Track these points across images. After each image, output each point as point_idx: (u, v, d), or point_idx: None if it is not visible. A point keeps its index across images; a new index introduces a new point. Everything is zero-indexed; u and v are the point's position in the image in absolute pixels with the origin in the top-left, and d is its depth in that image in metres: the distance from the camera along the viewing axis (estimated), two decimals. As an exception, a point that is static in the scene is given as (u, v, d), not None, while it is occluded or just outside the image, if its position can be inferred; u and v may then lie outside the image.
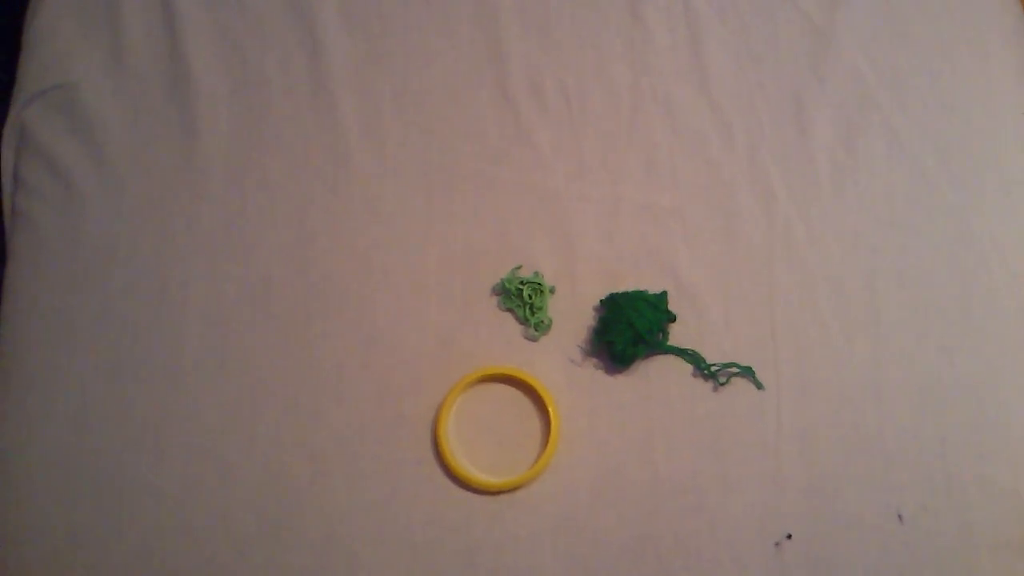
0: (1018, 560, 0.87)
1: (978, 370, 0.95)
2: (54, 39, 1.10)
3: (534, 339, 0.96)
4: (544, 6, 1.11)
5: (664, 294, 0.95)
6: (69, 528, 0.91)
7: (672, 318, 0.95)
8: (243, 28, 1.11)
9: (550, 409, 0.92)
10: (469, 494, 0.91)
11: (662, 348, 0.94)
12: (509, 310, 0.97)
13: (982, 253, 0.99)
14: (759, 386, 0.93)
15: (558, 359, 0.96)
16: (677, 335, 0.95)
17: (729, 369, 0.93)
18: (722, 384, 0.94)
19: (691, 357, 0.94)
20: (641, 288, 0.96)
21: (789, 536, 0.88)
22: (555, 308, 0.97)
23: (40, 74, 1.08)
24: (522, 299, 0.96)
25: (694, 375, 0.94)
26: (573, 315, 0.97)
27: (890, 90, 1.07)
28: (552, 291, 0.98)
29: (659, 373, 0.94)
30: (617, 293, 0.95)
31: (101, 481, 0.92)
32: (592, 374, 0.95)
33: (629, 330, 0.92)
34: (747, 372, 0.93)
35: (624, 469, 0.91)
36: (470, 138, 1.05)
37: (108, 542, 0.90)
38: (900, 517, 0.88)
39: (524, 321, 0.97)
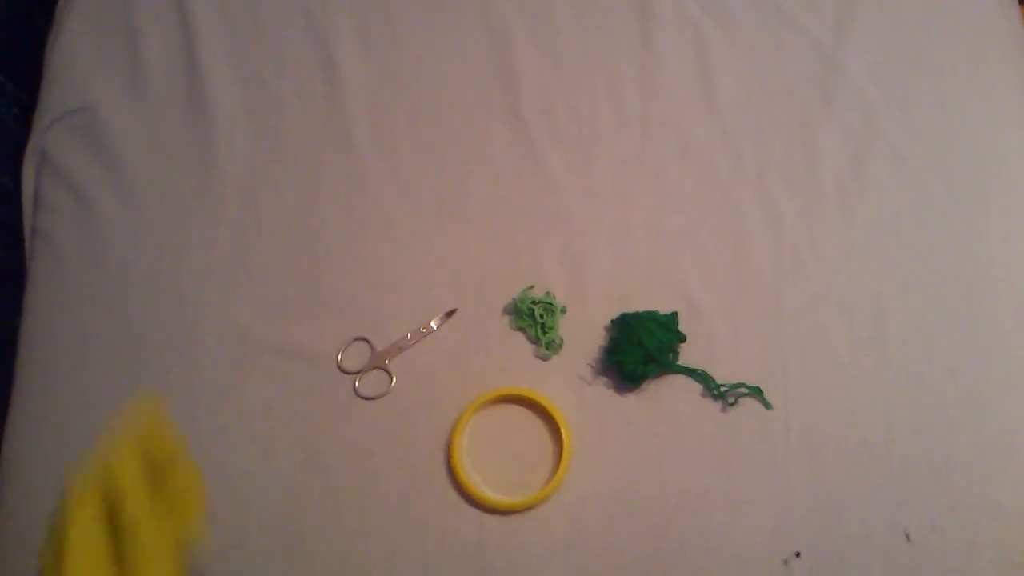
0: (1024, 579, 0.88)
1: (983, 390, 0.95)
2: (75, 63, 1.12)
3: (545, 358, 0.98)
4: (556, 32, 1.13)
5: (674, 315, 0.96)
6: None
7: (682, 338, 0.96)
8: (260, 52, 1.13)
9: (562, 429, 0.93)
10: (482, 513, 0.92)
11: (672, 368, 0.95)
12: (521, 329, 0.99)
13: (988, 275, 1.00)
14: (767, 406, 0.94)
15: (569, 378, 0.97)
16: (687, 355, 0.97)
17: (738, 389, 0.94)
18: (731, 404, 0.95)
19: (700, 377, 0.95)
20: (651, 309, 0.97)
21: (797, 554, 0.88)
22: (566, 328, 0.99)
23: (61, 97, 1.11)
24: (534, 319, 0.98)
25: (703, 395, 0.95)
26: (584, 335, 0.98)
27: (897, 114, 1.08)
28: (563, 311, 0.99)
29: (669, 393, 0.95)
30: (628, 313, 0.96)
31: (117, 498, 0.93)
32: (602, 393, 0.96)
33: (639, 350, 0.93)
34: (755, 392, 0.94)
35: (634, 487, 0.92)
36: (483, 160, 1.07)
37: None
38: (907, 536, 0.89)
39: (535, 340, 0.98)
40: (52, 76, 1.12)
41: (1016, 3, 1.16)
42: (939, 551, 0.89)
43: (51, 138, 1.09)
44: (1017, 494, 0.91)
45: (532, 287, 1.00)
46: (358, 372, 0.97)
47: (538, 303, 0.98)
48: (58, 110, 1.09)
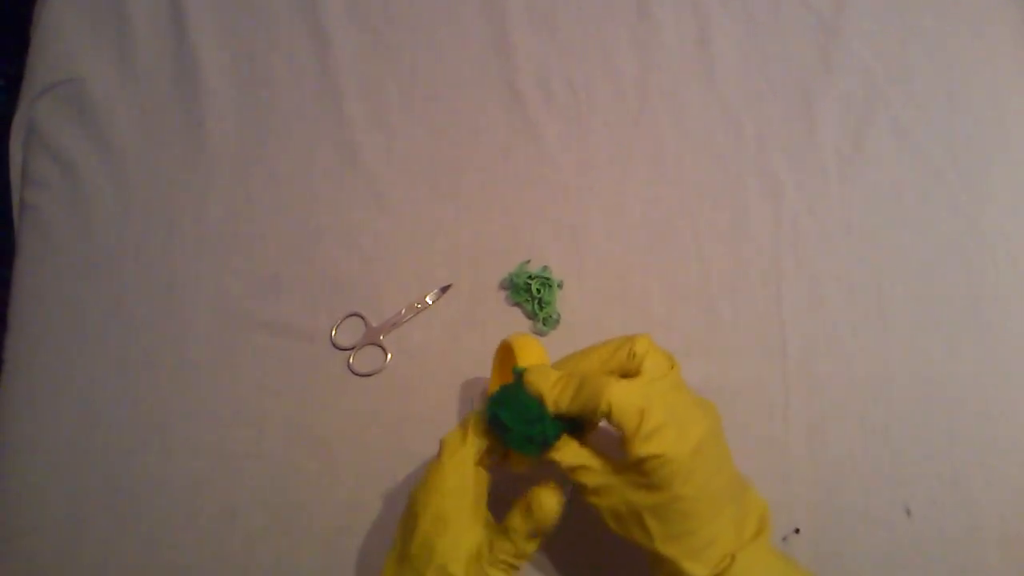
0: (1026, 554, 0.88)
1: (986, 365, 0.95)
2: (62, 34, 1.10)
3: (543, 334, 0.96)
4: (551, 2, 1.11)
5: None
6: (76, 522, 0.91)
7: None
8: (250, 23, 1.11)
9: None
10: (478, 489, 0.91)
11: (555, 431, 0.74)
12: (517, 305, 0.97)
13: (990, 248, 0.99)
14: None
15: (567, 353, 0.95)
16: (688, 331, 0.96)
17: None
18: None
19: None
20: (649, 283, 0.96)
21: (797, 530, 0.88)
22: (563, 303, 0.97)
23: (48, 69, 1.08)
24: (530, 294, 0.96)
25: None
26: (581, 310, 0.97)
27: (898, 85, 1.06)
28: (560, 286, 0.97)
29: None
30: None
31: (109, 475, 0.92)
32: (600, 369, 0.95)
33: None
34: None
35: (632, 463, 0.91)
36: (477, 133, 1.05)
37: (115, 536, 0.90)
38: (908, 511, 0.88)
39: (532, 316, 0.97)
40: (39, 47, 1.10)
41: (1018, -29, 1.15)
42: (940, 526, 0.88)
43: (39, 110, 1.07)
44: (1018, 468, 0.91)
45: (528, 261, 0.98)
46: (352, 348, 0.96)
47: (535, 278, 0.97)
48: (45, 82, 1.07)
